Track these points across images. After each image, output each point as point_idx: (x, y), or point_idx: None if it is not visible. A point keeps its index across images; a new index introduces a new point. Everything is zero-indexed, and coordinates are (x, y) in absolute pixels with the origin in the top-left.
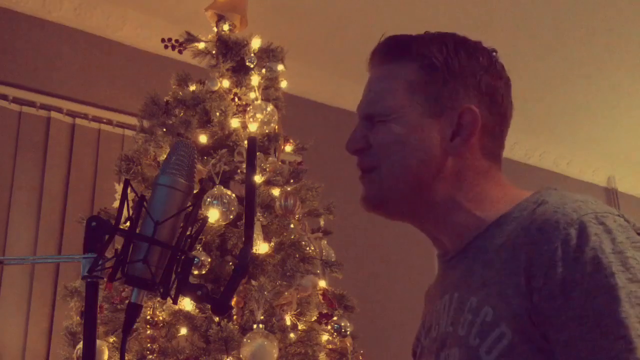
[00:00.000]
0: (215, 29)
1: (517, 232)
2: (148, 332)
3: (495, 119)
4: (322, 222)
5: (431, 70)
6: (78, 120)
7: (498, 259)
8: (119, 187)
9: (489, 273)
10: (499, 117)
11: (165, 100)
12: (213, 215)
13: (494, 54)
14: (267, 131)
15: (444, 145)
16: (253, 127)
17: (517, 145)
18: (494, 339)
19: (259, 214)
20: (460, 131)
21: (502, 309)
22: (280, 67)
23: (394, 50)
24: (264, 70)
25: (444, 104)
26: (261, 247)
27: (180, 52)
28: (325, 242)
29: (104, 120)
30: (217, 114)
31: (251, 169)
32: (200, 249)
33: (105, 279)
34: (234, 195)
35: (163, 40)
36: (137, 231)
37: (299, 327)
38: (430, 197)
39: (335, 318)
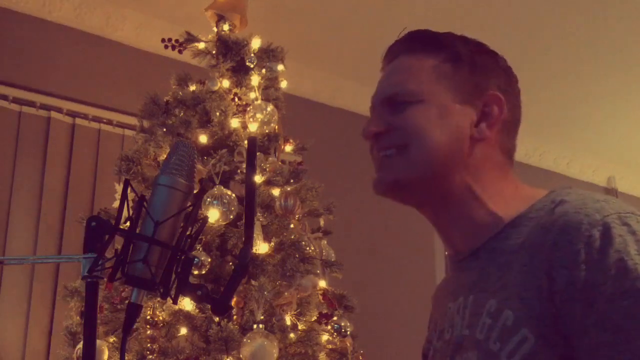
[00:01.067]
0: (215, 29)
1: (536, 233)
2: (148, 332)
3: (512, 118)
4: (322, 222)
5: (456, 60)
6: (78, 120)
7: (516, 261)
8: (119, 187)
9: (508, 275)
10: (514, 117)
11: (165, 100)
12: (213, 215)
13: (507, 63)
14: (267, 131)
15: (471, 131)
16: (253, 127)
17: (517, 145)
18: (516, 344)
19: (259, 214)
20: (485, 117)
21: (523, 312)
22: (280, 67)
23: (418, 42)
24: (264, 70)
25: (470, 91)
26: (261, 247)
27: (180, 52)
28: (325, 242)
29: (104, 120)
30: (217, 114)
31: (251, 169)
32: (200, 249)
33: (105, 279)
34: (234, 195)
35: (163, 40)
36: (137, 231)
37: (299, 327)
38: (449, 185)
39: (335, 318)
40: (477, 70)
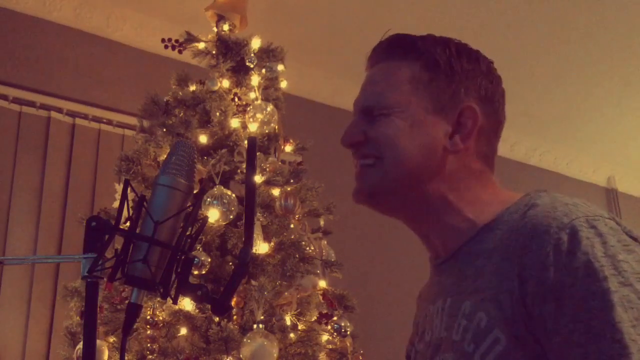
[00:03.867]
0: (215, 29)
1: (509, 236)
2: (148, 332)
3: (491, 124)
4: (322, 222)
5: (434, 68)
6: (78, 120)
7: (490, 264)
8: (119, 187)
9: (481, 278)
10: (495, 122)
11: (165, 100)
12: (213, 215)
13: (492, 63)
14: (267, 131)
15: (444, 142)
16: (253, 127)
17: (517, 145)
18: (489, 345)
19: (259, 214)
20: (460, 129)
21: (495, 314)
22: (280, 67)
23: (397, 48)
24: (264, 70)
25: (445, 102)
26: (261, 247)
27: (180, 52)
28: (325, 242)
29: (104, 120)
30: (217, 114)
31: (251, 169)
32: (200, 249)
33: (105, 279)
34: (234, 195)
35: (163, 40)
36: (137, 231)
37: (299, 327)
38: (425, 195)
39: (335, 318)
40: (454, 78)
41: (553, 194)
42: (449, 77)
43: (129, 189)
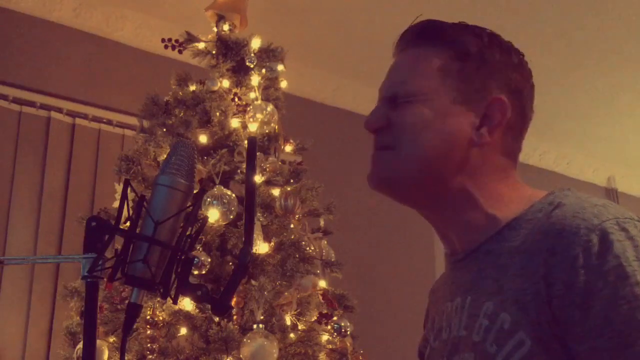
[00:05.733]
0: (215, 29)
1: (534, 236)
2: (148, 332)
3: (519, 119)
4: (322, 222)
5: (465, 57)
6: (78, 120)
7: (513, 264)
8: (119, 187)
9: (504, 278)
10: (522, 117)
11: (165, 100)
12: (213, 215)
13: (523, 56)
14: (267, 131)
15: (470, 134)
16: (253, 127)
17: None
18: (513, 347)
19: (259, 214)
20: (487, 121)
21: (520, 316)
22: (280, 67)
23: (428, 34)
24: (264, 70)
25: (474, 93)
26: (261, 247)
27: (180, 52)
28: (325, 242)
29: (104, 120)
30: (217, 114)
31: (251, 169)
32: (200, 249)
33: (105, 279)
34: (234, 195)
35: (163, 40)
36: (137, 231)
37: (299, 327)
38: (446, 188)
39: (335, 318)
40: (485, 69)
41: (578, 193)
42: (479, 67)
43: (129, 189)
